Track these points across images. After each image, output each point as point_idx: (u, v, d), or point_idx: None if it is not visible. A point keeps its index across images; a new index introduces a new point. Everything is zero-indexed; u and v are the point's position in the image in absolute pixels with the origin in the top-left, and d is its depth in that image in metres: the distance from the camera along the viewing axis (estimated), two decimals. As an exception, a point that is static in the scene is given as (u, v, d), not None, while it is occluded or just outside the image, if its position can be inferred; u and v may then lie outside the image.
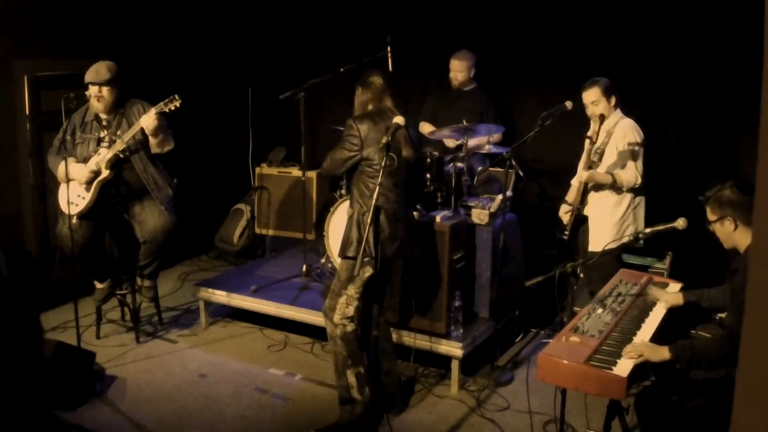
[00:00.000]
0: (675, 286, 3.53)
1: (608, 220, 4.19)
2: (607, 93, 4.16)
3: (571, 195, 4.44)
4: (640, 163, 4.13)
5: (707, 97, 4.90)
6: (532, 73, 5.55)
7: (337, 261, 4.44)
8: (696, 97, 4.95)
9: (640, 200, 4.25)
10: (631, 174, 4.10)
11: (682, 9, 4.85)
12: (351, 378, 3.59)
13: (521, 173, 5.01)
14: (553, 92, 5.02)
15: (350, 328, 3.55)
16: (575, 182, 4.47)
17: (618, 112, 4.22)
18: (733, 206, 2.84)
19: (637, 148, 4.12)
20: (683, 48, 4.90)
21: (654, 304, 3.31)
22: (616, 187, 4.16)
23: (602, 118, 4.12)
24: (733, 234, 2.87)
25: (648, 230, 3.32)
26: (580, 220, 4.33)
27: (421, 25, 5.83)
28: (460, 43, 5.41)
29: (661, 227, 3.33)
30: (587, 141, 4.21)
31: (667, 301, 3.31)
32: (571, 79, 5.20)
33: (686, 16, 4.85)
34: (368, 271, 3.47)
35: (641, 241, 4.26)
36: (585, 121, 4.81)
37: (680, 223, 3.21)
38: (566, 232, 4.35)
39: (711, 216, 2.94)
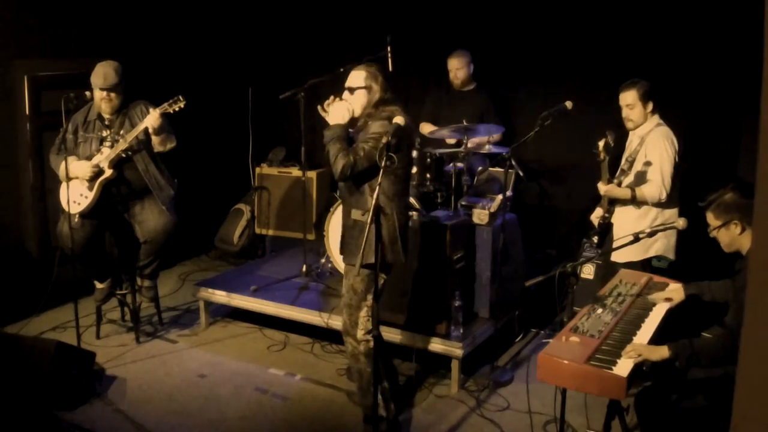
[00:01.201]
0: (675, 286, 3.53)
1: (631, 232, 4.00)
2: (644, 98, 3.92)
3: (604, 200, 4.19)
4: (668, 176, 3.87)
5: (706, 97, 4.90)
6: (532, 73, 5.55)
7: (338, 261, 4.44)
8: (695, 98, 4.94)
9: (672, 214, 3.96)
10: (655, 189, 3.87)
11: (681, 9, 4.85)
12: (378, 396, 3.46)
13: (521, 173, 5.00)
14: (553, 92, 5.03)
15: (373, 343, 3.40)
16: None
17: (655, 119, 3.99)
18: (740, 209, 2.78)
19: (666, 159, 3.87)
20: (682, 48, 4.90)
21: (654, 304, 3.26)
22: (638, 200, 3.95)
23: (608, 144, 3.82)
24: (739, 237, 2.82)
25: (648, 230, 3.30)
26: (607, 228, 4.17)
27: (421, 25, 5.83)
28: (460, 43, 5.41)
29: (660, 227, 3.34)
30: (601, 153, 3.89)
31: (669, 298, 3.26)
32: (572, 79, 5.24)
33: (685, 15, 4.85)
34: (382, 278, 3.37)
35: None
36: (586, 122, 4.82)
37: (680, 223, 3.21)
38: (596, 237, 4.20)
39: (715, 221, 2.87)
